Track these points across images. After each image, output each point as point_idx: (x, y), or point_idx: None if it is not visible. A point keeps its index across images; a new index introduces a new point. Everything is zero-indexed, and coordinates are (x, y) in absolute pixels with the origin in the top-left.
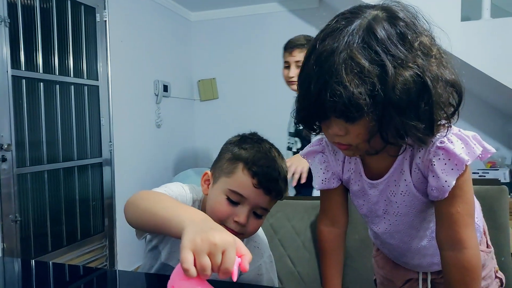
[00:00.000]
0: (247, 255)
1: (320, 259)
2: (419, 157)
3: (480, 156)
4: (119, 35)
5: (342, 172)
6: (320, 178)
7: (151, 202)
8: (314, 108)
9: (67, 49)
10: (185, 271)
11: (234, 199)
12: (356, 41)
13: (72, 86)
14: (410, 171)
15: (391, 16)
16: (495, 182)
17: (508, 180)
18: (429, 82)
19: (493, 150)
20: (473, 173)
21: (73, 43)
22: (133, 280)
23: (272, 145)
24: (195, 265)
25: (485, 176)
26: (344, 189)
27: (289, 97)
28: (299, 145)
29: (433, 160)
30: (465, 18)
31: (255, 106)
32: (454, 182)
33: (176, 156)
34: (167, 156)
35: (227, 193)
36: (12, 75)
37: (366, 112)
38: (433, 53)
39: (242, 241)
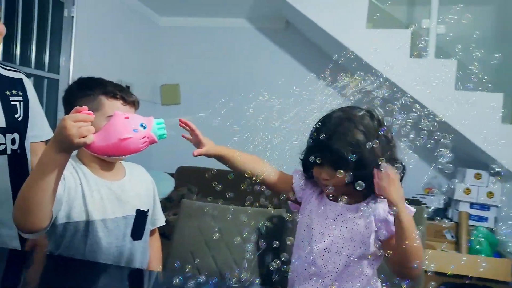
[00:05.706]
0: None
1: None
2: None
3: None
4: (85, 31)
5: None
6: (297, 182)
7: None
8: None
9: (30, 39)
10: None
11: None
12: (345, 119)
13: (32, 78)
14: None
15: (371, 114)
16: (416, 202)
17: (442, 206)
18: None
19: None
20: (412, 197)
21: (37, 34)
22: None
23: None
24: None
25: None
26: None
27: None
28: None
29: None
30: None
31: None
32: None
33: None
34: None
35: None
36: None
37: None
38: (391, 142)
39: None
